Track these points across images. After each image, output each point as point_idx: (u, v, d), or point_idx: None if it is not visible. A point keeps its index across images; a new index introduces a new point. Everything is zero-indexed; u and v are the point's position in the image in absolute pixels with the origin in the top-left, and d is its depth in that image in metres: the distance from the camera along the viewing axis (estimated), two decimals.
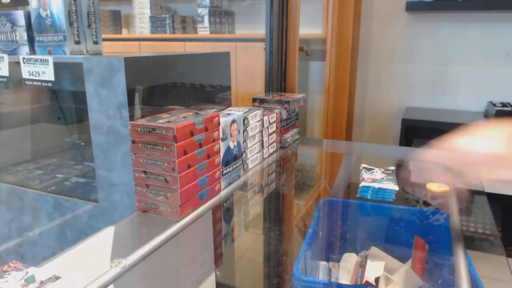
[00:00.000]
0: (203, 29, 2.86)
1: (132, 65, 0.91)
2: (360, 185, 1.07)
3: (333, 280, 0.80)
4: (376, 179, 1.09)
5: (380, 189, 1.04)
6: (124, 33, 3.41)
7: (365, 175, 1.12)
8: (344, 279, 0.80)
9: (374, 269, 0.76)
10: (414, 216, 0.92)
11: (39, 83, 1.05)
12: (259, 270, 0.85)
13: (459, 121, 2.13)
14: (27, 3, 1.06)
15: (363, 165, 1.19)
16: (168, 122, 0.87)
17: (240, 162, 1.16)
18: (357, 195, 1.06)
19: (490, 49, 2.32)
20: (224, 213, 1.00)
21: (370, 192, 1.05)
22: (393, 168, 1.17)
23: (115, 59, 0.90)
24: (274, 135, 1.40)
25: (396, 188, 1.04)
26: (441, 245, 0.84)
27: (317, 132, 2.77)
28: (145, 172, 0.89)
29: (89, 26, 1.06)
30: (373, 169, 1.16)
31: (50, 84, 1.03)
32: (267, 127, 1.33)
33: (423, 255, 0.76)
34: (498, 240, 0.86)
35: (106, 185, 1.01)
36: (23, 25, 1.07)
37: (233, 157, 1.11)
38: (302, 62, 2.71)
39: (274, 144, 1.41)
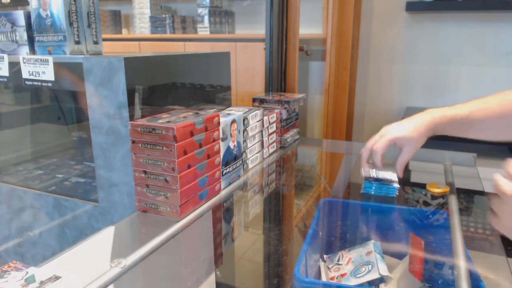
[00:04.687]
0: (203, 29, 2.86)
1: (132, 65, 0.91)
2: (364, 182, 1.07)
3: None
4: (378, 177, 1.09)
5: (383, 184, 1.05)
6: (124, 33, 3.41)
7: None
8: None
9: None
10: (414, 216, 0.92)
11: (39, 83, 1.05)
12: (259, 270, 0.85)
13: None
14: (27, 3, 1.06)
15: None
16: (168, 122, 0.87)
17: (240, 162, 1.16)
18: (361, 191, 1.06)
19: (490, 49, 2.32)
20: (224, 213, 1.00)
21: (374, 187, 1.05)
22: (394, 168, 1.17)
23: (115, 59, 0.90)
24: (274, 135, 1.40)
25: (398, 185, 1.04)
26: (441, 245, 0.84)
27: (317, 132, 2.77)
28: (145, 172, 0.89)
29: (89, 26, 1.06)
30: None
31: (50, 84, 1.03)
32: (267, 127, 1.33)
33: (420, 253, 0.76)
34: (498, 240, 0.86)
35: (106, 185, 1.01)
36: (23, 25, 1.07)
37: (233, 157, 1.11)
38: (302, 62, 2.71)
39: (274, 144, 1.41)
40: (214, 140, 0.99)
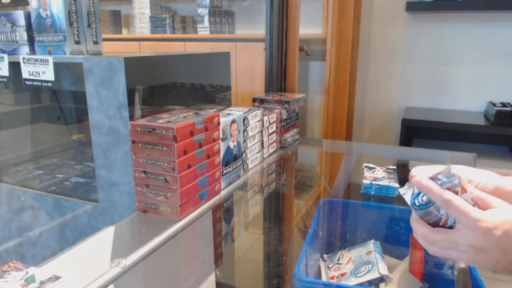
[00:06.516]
0: (203, 29, 2.86)
1: (132, 65, 0.91)
2: (364, 181, 1.07)
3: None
4: (378, 177, 1.10)
5: (383, 185, 1.05)
6: (124, 33, 3.41)
7: (367, 173, 1.13)
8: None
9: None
10: None
11: (39, 83, 1.05)
12: (259, 270, 0.85)
13: (459, 121, 2.12)
14: (27, 3, 1.06)
15: (365, 164, 1.19)
16: (168, 122, 0.87)
17: (240, 162, 1.16)
18: (361, 191, 1.06)
19: (490, 49, 2.32)
20: (224, 213, 1.00)
21: (374, 188, 1.06)
22: (394, 167, 1.17)
23: (115, 59, 0.90)
24: (274, 135, 1.40)
25: (397, 185, 1.04)
26: None
27: (317, 132, 2.76)
28: (145, 172, 0.89)
29: (89, 26, 1.06)
30: (375, 168, 1.17)
31: (50, 84, 1.03)
32: (267, 127, 1.33)
33: (420, 253, 0.76)
34: None
35: (106, 185, 1.01)
36: (23, 25, 1.07)
37: (233, 157, 1.11)
38: (302, 62, 2.70)
39: (274, 144, 1.41)
40: (214, 140, 0.99)
